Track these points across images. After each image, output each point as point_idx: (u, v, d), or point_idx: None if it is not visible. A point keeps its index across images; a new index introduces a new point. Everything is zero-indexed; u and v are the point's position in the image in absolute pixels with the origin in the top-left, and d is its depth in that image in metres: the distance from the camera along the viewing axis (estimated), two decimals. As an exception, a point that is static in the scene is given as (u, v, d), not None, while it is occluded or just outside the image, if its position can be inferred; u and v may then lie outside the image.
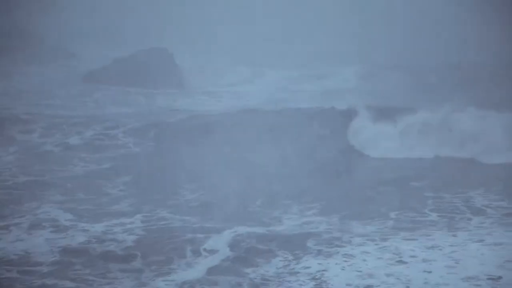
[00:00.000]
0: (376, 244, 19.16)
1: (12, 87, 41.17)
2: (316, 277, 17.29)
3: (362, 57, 46.19)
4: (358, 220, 21.06)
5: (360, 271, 17.62)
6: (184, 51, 47.19)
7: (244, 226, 20.42)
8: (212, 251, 18.68)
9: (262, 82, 42.90)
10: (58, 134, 29.16)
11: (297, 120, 30.08)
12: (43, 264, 17.78)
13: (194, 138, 28.41)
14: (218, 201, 22.60)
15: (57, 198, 22.67)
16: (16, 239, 19.26)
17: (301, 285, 17.05)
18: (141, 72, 43.34)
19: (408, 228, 20.49)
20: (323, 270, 17.66)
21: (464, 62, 41.88)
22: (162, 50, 45.87)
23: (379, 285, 16.86)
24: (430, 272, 17.46)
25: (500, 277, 16.94)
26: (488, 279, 16.92)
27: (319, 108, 31.41)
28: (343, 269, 17.73)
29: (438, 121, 29.03)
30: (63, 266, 17.70)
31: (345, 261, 18.23)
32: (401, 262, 17.98)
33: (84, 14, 57.42)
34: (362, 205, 22.48)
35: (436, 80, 39.10)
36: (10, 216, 20.89)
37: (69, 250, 18.55)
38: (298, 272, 17.62)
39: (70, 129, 29.80)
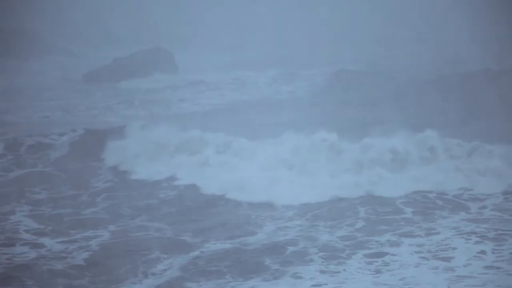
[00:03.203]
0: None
1: (12, 86, 41.32)
2: None
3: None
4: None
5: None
6: (184, 51, 47.35)
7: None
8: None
9: (261, 81, 42.98)
10: (57, 133, 29.21)
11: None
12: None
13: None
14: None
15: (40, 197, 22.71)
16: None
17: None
18: (141, 72, 43.50)
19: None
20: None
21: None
22: (162, 50, 46.04)
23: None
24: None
25: None
26: None
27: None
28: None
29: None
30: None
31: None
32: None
33: (84, 14, 57.59)
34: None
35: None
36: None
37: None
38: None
39: (70, 128, 29.88)
